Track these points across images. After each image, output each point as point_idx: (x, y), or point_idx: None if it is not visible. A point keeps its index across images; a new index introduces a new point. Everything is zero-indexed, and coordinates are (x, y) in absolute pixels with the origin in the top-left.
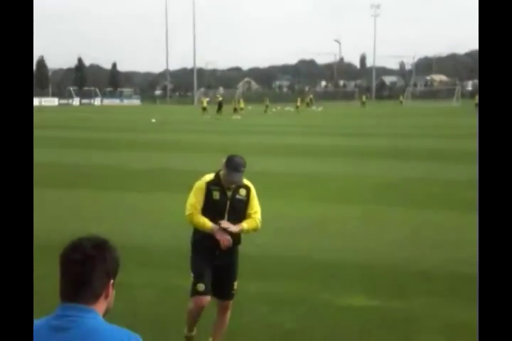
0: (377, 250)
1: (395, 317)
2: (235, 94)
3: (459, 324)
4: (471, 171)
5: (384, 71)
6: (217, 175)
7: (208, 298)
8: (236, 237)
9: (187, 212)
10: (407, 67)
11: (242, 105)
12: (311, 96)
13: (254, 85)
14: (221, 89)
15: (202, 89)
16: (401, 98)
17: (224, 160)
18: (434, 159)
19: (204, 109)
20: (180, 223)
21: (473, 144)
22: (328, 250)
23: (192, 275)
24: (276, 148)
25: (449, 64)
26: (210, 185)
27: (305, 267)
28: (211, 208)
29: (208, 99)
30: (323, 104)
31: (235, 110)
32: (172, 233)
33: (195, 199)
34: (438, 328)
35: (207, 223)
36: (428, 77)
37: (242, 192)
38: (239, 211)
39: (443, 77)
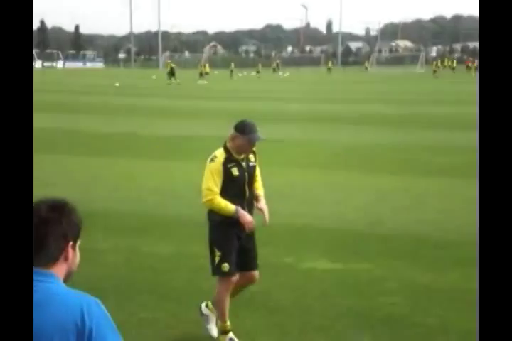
0: (342, 215)
1: (357, 279)
2: (201, 59)
3: (419, 286)
4: (436, 137)
5: (350, 37)
6: (227, 151)
7: (235, 278)
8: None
9: (205, 198)
10: (373, 33)
11: (207, 70)
12: (278, 61)
13: (221, 50)
14: (186, 53)
15: (167, 53)
16: (366, 64)
17: (233, 131)
18: (399, 125)
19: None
20: (143, 187)
21: (438, 110)
22: (293, 215)
23: (218, 253)
24: (241, 114)
25: (413, 30)
26: (226, 163)
27: (269, 232)
28: (232, 186)
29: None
30: (289, 69)
31: (201, 75)
32: (136, 197)
33: (212, 182)
34: (399, 290)
35: (229, 207)
36: (393, 43)
37: (252, 157)
38: (253, 178)
39: (408, 43)
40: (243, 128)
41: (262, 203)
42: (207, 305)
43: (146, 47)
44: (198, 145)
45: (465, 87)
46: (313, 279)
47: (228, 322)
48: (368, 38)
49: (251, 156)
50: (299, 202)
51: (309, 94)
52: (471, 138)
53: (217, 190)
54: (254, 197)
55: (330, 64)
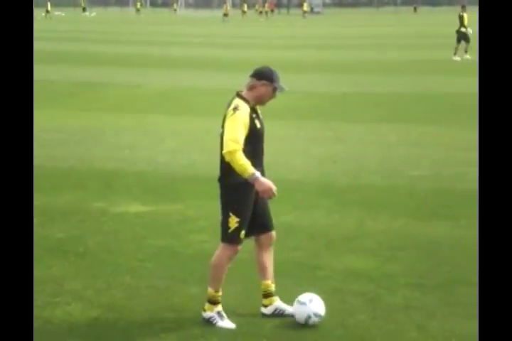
0: (155, 158)
1: (169, 220)
2: None
3: None
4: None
5: None
6: (246, 100)
7: (241, 247)
8: None
9: (230, 148)
10: None
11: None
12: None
13: None
14: None
15: None
16: (175, 6)
17: (253, 79)
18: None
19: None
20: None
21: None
22: (105, 159)
23: (237, 219)
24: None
25: None
26: (251, 114)
27: (79, 177)
28: (253, 141)
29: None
30: (96, 9)
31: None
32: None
33: (238, 133)
34: (209, 228)
35: (249, 168)
36: None
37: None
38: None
39: None
40: (271, 76)
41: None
42: (205, 310)
43: None
44: None
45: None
46: (125, 223)
47: (220, 292)
48: None
49: (258, 108)
50: (110, 146)
51: (119, 35)
52: None
53: (242, 142)
54: None
55: (139, 5)
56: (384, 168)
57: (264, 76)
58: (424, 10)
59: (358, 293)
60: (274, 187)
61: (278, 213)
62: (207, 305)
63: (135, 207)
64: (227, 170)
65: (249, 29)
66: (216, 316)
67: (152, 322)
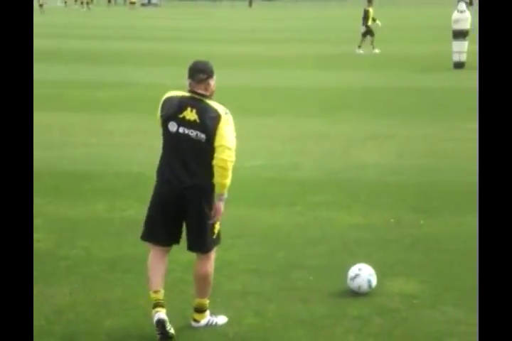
0: None
1: None
2: None
3: (64, 220)
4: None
5: None
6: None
7: None
8: None
9: (233, 158)
10: None
11: None
12: None
13: None
14: None
15: None
16: None
17: (205, 75)
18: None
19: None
20: None
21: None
22: None
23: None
24: None
25: None
26: None
27: None
28: None
29: None
30: None
31: None
32: None
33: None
34: (43, 226)
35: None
36: None
37: None
38: None
39: None
40: (213, 69)
41: None
42: (198, 320)
43: None
44: None
45: None
46: None
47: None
48: None
49: None
50: None
51: None
52: None
53: None
54: None
55: None
56: None
57: (212, 71)
58: (259, 4)
59: None
60: None
61: (123, 208)
62: (198, 315)
63: None
64: (209, 175)
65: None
66: (211, 317)
67: None
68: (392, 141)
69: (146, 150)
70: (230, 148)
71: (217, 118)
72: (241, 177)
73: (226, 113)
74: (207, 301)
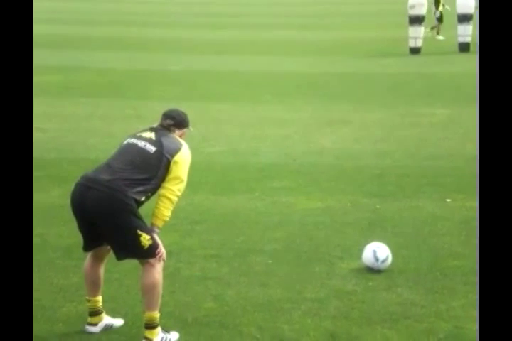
0: None
1: None
2: None
3: None
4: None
5: None
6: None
7: None
8: None
9: (182, 192)
10: None
11: None
12: None
13: None
14: None
15: None
16: None
17: (180, 127)
18: None
19: None
20: None
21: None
22: None
23: (148, 236)
24: None
25: None
26: None
27: None
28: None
29: None
30: None
31: None
32: None
33: None
34: None
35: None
36: None
37: None
38: None
39: None
40: (188, 122)
41: None
42: (150, 338)
43: None
44: None
45: None
46: None
47: None
48: None
49: None
50: None
51: None
52: None
53: None
54: None
55: None
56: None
57: (182, 123)
58: None
59: None
60: None
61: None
62: (149, 332)
63: None
64: (137, 190)
65: None
66: (164, 334)
67: None
68: (348, 127)
69: (103, 136)
70: (183, 183)
71: (177, 148)
72: (200, 163)
73: (187, 148)
74: (157, 314)
